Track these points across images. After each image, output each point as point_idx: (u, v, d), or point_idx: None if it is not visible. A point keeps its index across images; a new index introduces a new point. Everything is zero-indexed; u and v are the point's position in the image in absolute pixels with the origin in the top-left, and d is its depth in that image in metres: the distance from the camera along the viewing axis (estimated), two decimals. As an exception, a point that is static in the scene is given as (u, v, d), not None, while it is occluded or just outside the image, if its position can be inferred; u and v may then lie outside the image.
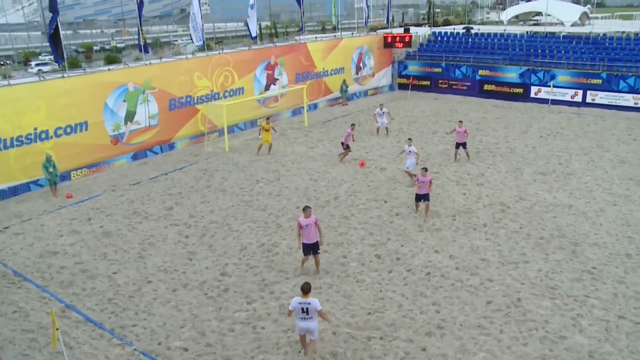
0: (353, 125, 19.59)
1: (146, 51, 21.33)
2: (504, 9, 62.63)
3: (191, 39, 23.00)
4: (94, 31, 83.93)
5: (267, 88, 25.75)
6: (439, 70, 32.22)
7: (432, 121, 25.23)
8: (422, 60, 33.23)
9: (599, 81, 26.99)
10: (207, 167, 19.36)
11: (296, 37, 29.24)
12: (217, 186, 17.18)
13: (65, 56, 18.65)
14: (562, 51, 29.25)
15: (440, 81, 32.26)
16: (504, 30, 35.89)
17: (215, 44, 53.36)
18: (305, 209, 10.71)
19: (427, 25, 52.36)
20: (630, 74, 26.31)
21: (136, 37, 20.31)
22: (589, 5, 58.48)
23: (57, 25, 17.82)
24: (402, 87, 33.68)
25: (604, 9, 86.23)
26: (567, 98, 27.83)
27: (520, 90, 29.36)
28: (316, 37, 30.78)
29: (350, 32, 34.43)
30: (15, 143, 16.90)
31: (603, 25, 42.09)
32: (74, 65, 39.42)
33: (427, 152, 19.55)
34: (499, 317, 9.67)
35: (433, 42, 35.31)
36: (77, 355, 8.97)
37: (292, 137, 22.99)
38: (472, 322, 9.54)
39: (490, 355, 8.67)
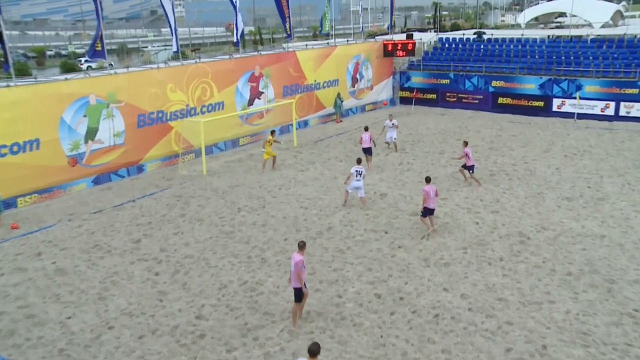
0: (367, 127, 21.74)
1: (102, 57, 21.40)
2: (521, 11, 63.44)
3: (166, 46, 23.17)
4: (46, 33, 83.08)
5: (250, 103, 26.01)
6: (446, 81, 32.76)
7: (439, 140, 25.53)
8: (427, 70, 33.79)
9: (635, 91, 27.17)
10: (181, 193, 19.39)
11: (284, 45, 29.72)
12: (193, 215, 17.18)
13: (10, 61, 18.59)
14: (590, 57, 29.64)
15: (448, 94, 32.76)
16: (522, 34, 36.54)
17: (192, 51, 53.88)
18: (300, 245, 10.82)
19: (432, 31, 53.31)
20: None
21: (98, 41, 20.42)
22: (624, 2, 57.77)
23: None
24: (404, 101, 34.18)
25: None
26: (597, 111, 28.16)
27: (541, 104, 29.84)
28: (307, 45, 31.26)
29: (346, 39, 35.08)
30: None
31: (640, 26, 41.64)
32: (23, 72, 39.42)
33: (433, 175, 19.70)
34: (518, 366, 9.66)
35: (440, 49, 35.98)
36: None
37: (279, 158, 23.12)
38: (487, 372, 9.52)
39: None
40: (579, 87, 28.56)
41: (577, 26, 46.42)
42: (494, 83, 31.19)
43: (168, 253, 14.54)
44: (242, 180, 20.51)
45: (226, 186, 19.92)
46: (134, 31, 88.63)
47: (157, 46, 67.26)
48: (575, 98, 28.42)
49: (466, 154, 18.58)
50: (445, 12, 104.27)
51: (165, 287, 12.79)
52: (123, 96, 20.89)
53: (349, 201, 17.53)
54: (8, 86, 18.15)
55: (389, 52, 33.25)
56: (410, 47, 32.77)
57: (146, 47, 71.05)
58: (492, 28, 60.45)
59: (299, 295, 10.82)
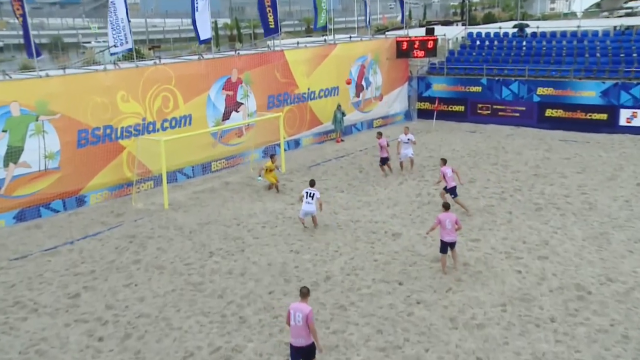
0: (380, 133, 24.69)
1: (38, 54, 21.55)
2: (578, -5, 63.34)
3: (114, 44, 23.08)
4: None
5: (226, 117, 26.25)
6: (477, 89, 33.11)
7: (469, 164, 25.76)
8: (452, 75, 34.18)
9: None
10: (135, 232, 19.43)
11: (269, 43, 30.09)
12: (151, 261, 17.19)
13: None
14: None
15: (479, 105, 33.11)
16: (578, 26, 36.36)
17: (150, 49, 54.18)
18: (304, 292, 11.16)
19: (460, 24, 53.79)
20: None
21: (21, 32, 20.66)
22: None
23: None
24: (423, 114, 34.44)
25: None
26: (682, 126, 28.32)
27: (604, 116, 30.08)
28: (298, 43, 31.66)
29: (348, 35, 35.50)
30: None
31: None
32: None
33: (462, 211, 19.84)
34: None
35: (469, 48, 36.44)
36: None
37: (262, 188, 23.23)
38: None
39: None
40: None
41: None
42: (540, 90, 31.50)
43: (116, 311, 14.50)
44: (214, 217, 20.59)
45: (194, 224, 19.98)
46: (72, 21, 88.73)
47: (103, 42, 67.51)
48: None
49: (443, 175, 19.72)
50: (477, 0, 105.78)
51: (111, 356, 12.73)
52: (58, 106, 20.99)
53: (348, 235, 17.92)
54: None
55: (403, 51, 33.62)
56: (430, 45, 33.16)
57: (88, 42, 71.39)
58: (538, 19, 60.70)
59: (312, 353, 11.07)
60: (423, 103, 34.65)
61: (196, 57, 26.04)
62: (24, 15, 20.57)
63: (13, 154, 20.21)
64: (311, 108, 29.92)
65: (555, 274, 15.70)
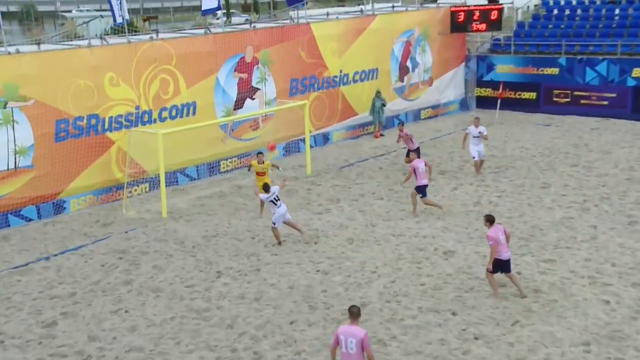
0: (401, 124, 24.41)
1: None
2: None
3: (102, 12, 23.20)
4: None
5: (238, 105, 26.41)
6: (554, 71, 33.01)
7: (542, 166, 25.64)
8: (521, 53, 34.11)
9: None
10: (126, 246, 19.59)
11: (291, 13, 30.19)
12: (145, 282, 17.32)
13: None
14: None
15: (556, 92, 33.01)
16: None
17: (145, 20, 54.44)
18: (354, 313, 11.14)
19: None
20: None
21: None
22: None
23: None
24: (483, 103, 34.53)
25: None
26: None
27: None
28: (328, 14, 31.70)
29: (390, 4, 35.43)
30: None
31: None
32: None
33: (532, 223, 19.75)
34: None
35: (544, 19, 36.24)
36: None
37: (282, 194, 23.31)
38: None
39: None
40: None
41: None
42: (636, 72, 31.26)
43: (101, 344, 14.57)
44: (223, 228, 20.73)
45: (199, 236, 20.10)
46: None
47: (87, 11, 67.95)
48: None
49: (414, 170, 20.31)
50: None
51: (97, 397, 12.91)
52: (31, 90, 21.16)
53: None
54: None
55: (459, 24, 33.58)
56: (494, 15, 33.06)
57: (69, 11, 71.78)
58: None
59: None
60: (484, 89, 34.70)
61: (202, 31, 26.13)
62: None
63: (-24, 150, 20.52)
64: (344, 95, 30.00)
65: (653, 305, 15.55)
